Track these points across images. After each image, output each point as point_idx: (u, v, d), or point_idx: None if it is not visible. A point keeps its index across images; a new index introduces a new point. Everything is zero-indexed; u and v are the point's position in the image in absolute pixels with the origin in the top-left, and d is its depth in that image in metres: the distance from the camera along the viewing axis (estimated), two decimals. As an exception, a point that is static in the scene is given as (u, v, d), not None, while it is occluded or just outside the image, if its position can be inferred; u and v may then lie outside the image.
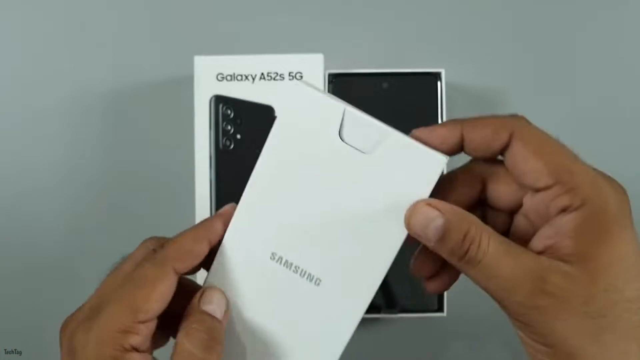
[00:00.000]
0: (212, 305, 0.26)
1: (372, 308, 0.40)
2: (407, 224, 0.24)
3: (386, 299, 0.40)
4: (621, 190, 0.23)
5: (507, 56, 0.44)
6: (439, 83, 0.41)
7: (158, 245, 0.27)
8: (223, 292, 0.26)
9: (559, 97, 0.44)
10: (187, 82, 0.40)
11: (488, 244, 0.23)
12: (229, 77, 0.40)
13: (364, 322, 0.46)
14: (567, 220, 0.23)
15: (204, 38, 0.44)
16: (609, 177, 0.24)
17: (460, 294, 0.43)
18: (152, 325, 0.25)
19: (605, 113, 0.44)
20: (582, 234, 0.22)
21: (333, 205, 0.25)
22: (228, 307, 0.26)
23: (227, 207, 0.27)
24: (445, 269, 0.27)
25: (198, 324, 0.25)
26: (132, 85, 0.44)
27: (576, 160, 0.23)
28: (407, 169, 0.24)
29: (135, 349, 0.24)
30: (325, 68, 0.40)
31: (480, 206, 0.27)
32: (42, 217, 0.44)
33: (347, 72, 0.41)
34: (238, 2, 0.44)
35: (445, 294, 0.40)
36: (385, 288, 0.40)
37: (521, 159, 0.23)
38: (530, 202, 0.24)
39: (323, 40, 0.44)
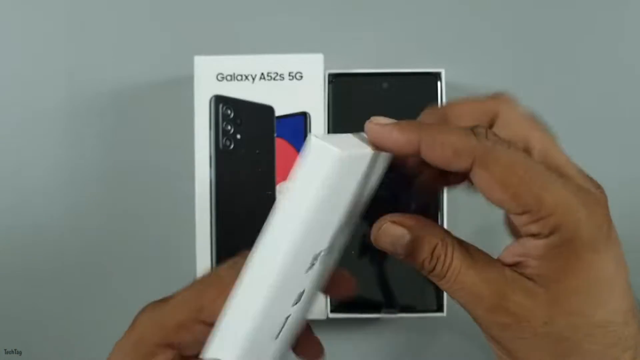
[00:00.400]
0: None
1: (372, 308, 0.40)
2: (375, 242, 0.24)
3: (386, 299, 0.40)
4: (599, 207, 0.22)
5: (507, 56, 0.44)
6: (439, 83, 0.41)
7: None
8: None
9: (559, 97, 0.44)
10: (187, 82, 0.40)
11: (452, 257, 0.23)
12: (229, 77, 0.40)
13: (364, 322, 0.46)
14: (535, 245, 0.22)
15: (204, 38, 0.44)
16: (587, 189, 0.23)
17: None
18: (208, 330, 0.23)
19: (606, 113, 0.44)
20: (549, 260, 0.22)
21: None
22: None
23: None
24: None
25: None
26: (132, 85, 0.44)
27: (548, 184, 0.22)
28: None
29: (178, 349, 0.24)
30: (325, 68, 0.40)
31: None
32: (42, 217, 0.44)
33: (347, 72, 0.41)
34: (238, 2, 0.44)
35: (445, 294, 0.40)
36: (385, 288, 0.40)
37: (487, 188, 0.22)
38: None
39: (323, 40, 0.44)
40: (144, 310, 0.25)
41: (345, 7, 0.44)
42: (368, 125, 0.24)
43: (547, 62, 0.44)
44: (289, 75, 0.40)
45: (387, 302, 0.40)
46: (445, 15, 0.44)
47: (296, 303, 0.25)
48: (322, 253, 0.24)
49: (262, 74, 0.40)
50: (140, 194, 0.44)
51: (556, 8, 0.44)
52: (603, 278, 0.22)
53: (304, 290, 0.25)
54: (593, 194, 0.22)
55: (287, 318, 0.25)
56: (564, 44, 0.44)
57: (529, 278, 0.22)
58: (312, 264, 0.24)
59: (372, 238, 0.24)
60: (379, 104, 0.41)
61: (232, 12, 0.44)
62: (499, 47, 0.44)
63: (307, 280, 0.24)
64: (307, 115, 0.40)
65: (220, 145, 0.40)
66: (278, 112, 0.40)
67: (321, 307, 0.40)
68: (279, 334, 0.25)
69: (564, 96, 0.44)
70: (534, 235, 0.22)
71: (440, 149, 0.22)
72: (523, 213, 0.22)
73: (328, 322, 0.40)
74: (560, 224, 0.21)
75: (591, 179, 0.24)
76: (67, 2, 0.44)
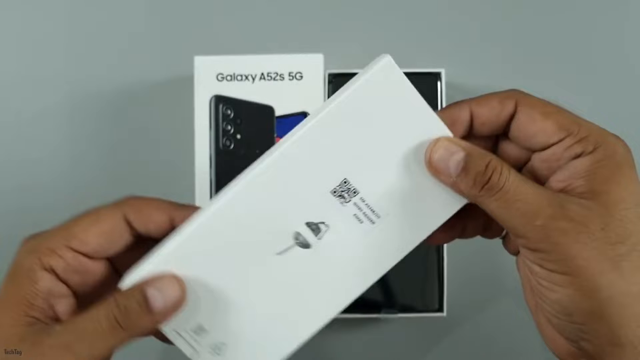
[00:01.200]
0: (155, 292, 0.24)
1: (372, 308, 0.40)
2: (429, 160, 0.25)
3: (386, 299, 0.40)
4: (623, 142, 0.25)
5: (507, 56, 0.44)
6: (439, 83, 0.41)
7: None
8: (179, 282, 0.25)
9: (559, 97, 0.44)
10: (187, 82, 0.40)
11: (509, 170, 0.24)
12: (229, 77, 0.40)
13: (364, 321, 0.46)
14: (580, 163, 0.24)
15: (204, 38, 0.44)
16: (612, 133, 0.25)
17: (460, 294, 0.43)
18: (83, 260, 0.25)
19: (606, 113, 0.44)
20: (594, 173, 0.24)
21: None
22: (179, 301, 0.25)
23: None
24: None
25: (125, 299, 0.24)
26: (132, 85, 0.44)
27: (580, 117, 0.25)
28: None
29: (53, 271, 0.25)
30: (325, 68, 0.40)
31: None
32: (42, 216, 0.44)
33: (347, 72, 0.41)
34: (238, 2, 0.44)
35: (445, 294, 0.40)
36: (385, 288, 0.40)
37: (529, 121, 0.25)
38: (540, 158, 0.25)
39: (323, 40, 0.44)
40: (23, 241, 0.26)
41: (346, 8, 0.44)
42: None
43: (547, 62, 0.44)
44: (289, 75, 0.40)
45: (387, 302, 0.40)
46: (445, 15, 0.44)
47: (311, 227, 0.26)
48: (358, 194, 0.25)
49: (262, 74, 0.40)
50: (140, 194, 0.44)
51: (556, 8, 0.44)
52: (638, 192, 0.24)
53: (324, 223, 0.26)
54: (619, 137, 0.25)
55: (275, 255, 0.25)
56: (564, 43, 0.44)
57: (579, 196, 0.24)
58: (341, 193, 0.25)
59: (425, 157, 0.25)
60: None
61: (232, 12, 0.44)
62: (499, 47, 0.44)
63: (327, 207, 0.25)
64: (307, 115, 0.40)
65: (220, 145, 0.40)
66: (278, 112, 0.40)
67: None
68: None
69: (564, 96, 0.44)
70: (578, 156, 0.24)
71: (488, 101, 0.25)
72: (565, 137, 0.24)
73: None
74: (600, 142, 0.24)
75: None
76: (67, 3, 0.44)
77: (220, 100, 0.40)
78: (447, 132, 0.25)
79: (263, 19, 0.44)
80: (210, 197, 0.40)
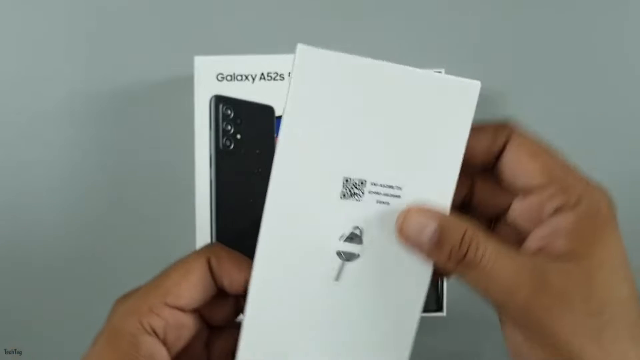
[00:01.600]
0: None
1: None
2: (399, 232, 0.24)
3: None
4: (608, 195, 0.24)
5: (508, 56, 0.44)
6: (439, 83, 0.41)
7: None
8: None
9: (560, 97, 0.44)
10: (187, 82, 0.40)
11: (485, 245, 0.23)
12: (229, 77, 0.40)
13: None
14: (562, 219, 0.23)
15: (204, 38, 0.44)
16: (597, 183, 0.24)
17: (460, 294, 0.43)
18: (179, 315, 0.25)
19: (606, 113, 0.44)
20: (577, 232, 0.23)
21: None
22: None
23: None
24: None
25: None
26: (132, 85, 0.44)
27: (568, 164, 0.24)
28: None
29: (154, 332, 0.24)
30: (325, 68, 0.40)
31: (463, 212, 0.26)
32: (42, 217, 0.44)
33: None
34: (238, 2, 0.44)
35: (445, 293, 0.40)
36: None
37: (516, 160, 0.24)
38: (521, 205, 0.24)
39: (323, 40, 0.44)
40: (116, 302, 0.26)
41: (346, 7, 0.44)
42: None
43: (548, 62, 0.44)
44: (289, 75, 0.40)
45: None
46: (445, 15, 0.44)
47: (347, 239, 0.25)
48: (367, 182, 0.24)
49: (262, 74, 0.40)
50: (141, 194, 0.44)
51: (557, 8, 0.44)
52: (620, 254, 0.23)
53: (357, 227, 0.25)
54: (602, 187, 0.24)
55: (337, 254, 0.25)
56: (564, 43, 0.44)
57: (559, 257, 0.23)
58: (351, 192, 0.24)
59: (396, 228, 0.24)
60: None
61: (232, 12, 0.44)
62: (500, 47, 0.44)
63: (348, 212, 0.24)
64: (307, 115, 0.40)
65: (220, 145, 0.40)
66: (278, 112, 0.40)
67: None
68: (337, 274, 0.25)
69: (564, 96, 0.44)
70: (559, 210, 0.23)
71: (481, 133, 0.24)
72: (549, 184, 0.23)
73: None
74: (584, 196, 0.23)
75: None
76: (67, 3, 0.44)
77: (220, 100, 0.40)
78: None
79: (263, 19, 0.44)
80: (210, 197, 0.40)
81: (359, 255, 0.25)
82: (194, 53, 0.40)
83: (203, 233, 0.39)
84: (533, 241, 0.24)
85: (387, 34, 0.44)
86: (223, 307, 0.26)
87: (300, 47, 0.24)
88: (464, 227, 0.23)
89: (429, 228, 0.23)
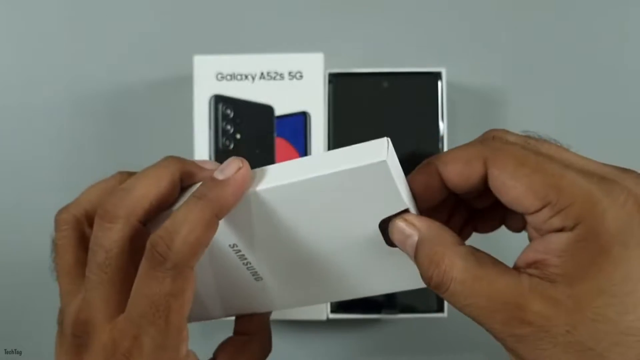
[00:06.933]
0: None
1: (372, 308, 0.40)
2: (391, 237, 0.23)
3: (386, 299, 0.40)
4: (625, 195, 0.20)
5: (508, 55, 0.44)
6: (439, 82, 0.40)
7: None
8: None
9: (560, 96, 0.44)
10: (186, 82, 0.40)
11: (453, 267, 0.21)
12: (228, 77, 0.40)
13: (364, 322, 0.46)
14: (558, 239, 0.20)
15: (203, 37, 0.44)
16: (610, 178, 0.21)
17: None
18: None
19: (607, 112, 0.44)
20: (572, 255, 0.20)
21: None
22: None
23: (233, 170, 0.23)
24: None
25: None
26: (132, 85, 0.44)
27: (564, 173, 0.20)
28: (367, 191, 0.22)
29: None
30: (325, 67, 0.40)
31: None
32: (42, 216, 0.44)
33: (347, 72, 0.41)
34: (238, 2, 0.44)
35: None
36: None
37: (502, 187, 0.21)
38: (520, 220, 0.23)
39: (323, 39, 0.44)
40: None
41: (346, 7, 0.44)
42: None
43: (548, 62, 0.44)
44: (289, 74, 0.40)
45: (388, 302, 0.40)
46: (445, 14, 0.44)
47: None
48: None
49: (262, 73, 0.40)
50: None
51: (557, 7, 0.44)
52: (632, 278, 0.19)
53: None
54: (618, 183, 0.20)
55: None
56: (565, 43, 0.44)
57: (550, 280, 0.20)
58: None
59: (390, 236, 0.23)
60: (379, 104, 0.41)
61: (232, 11, 0.44)
62: (500, 46, 0.44)
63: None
64: (307, 114, 0.40)
65: (220, 145, 0.40)
66: (278, 112, 0.40)
67: (321, 308, 0.39)
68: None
69: (565, 95, 0.44)
70: (557, 231, 0.20)
71: (452, 163, 0.22)
72: (542, 208, 0.20)
73: (328, 322, 0.40)
74: (584, 214, 0.20)
75: (616, 167, 0.22)
76: (67, 2, 0.44)
77: (219, 100, 0.40)
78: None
79: (263, 18, 0.44)
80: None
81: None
82: (193, 52, 0.40)
83: (203, 233, 0.39)
84: (528, 254, 0.22)
85: (387, 34, 0.44)
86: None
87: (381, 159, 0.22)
88: (437, 246, 0.22)
89: (410, 240, 0.22)
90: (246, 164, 0.24)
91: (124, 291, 0.23)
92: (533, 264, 0.21)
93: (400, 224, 0.23)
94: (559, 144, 0.23)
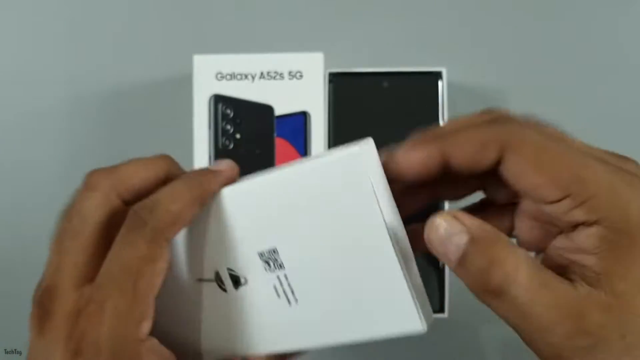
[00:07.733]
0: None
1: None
2: (427, 241, 0.21)
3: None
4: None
5: (509, 55, 0.44)
6: (440, 82, 0.40)
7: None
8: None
9: (561, 96, 0.44)
10: (186, 81, 0.40)
11: (518, 269, 0.19)
12: (228, 76, 0.40)
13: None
14: (586, 236, 0.19)
15: (203, 37, 0.44)
16: (627, 169, 0.20)
17: (462, 295, 0.42)
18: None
19: (607, 112, 0.44)
20: (606, 252, 0.19)
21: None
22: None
23: (225, 166, 0.24)
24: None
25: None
26: (131, 85, 0.44)
27: (586, 163, 0.20)
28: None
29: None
30: (325, 67, 0.40)
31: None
32: (42, 217, 0.44)
33: (347, 72, 0.41)
34: (238, 2, 0.44)
35: (447, 295, 0.40)
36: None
37: (520, 174, 0.20)
38: (536, 207, 0.21)
39: (323, 39, 0.44)
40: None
41: (346, 6, 0.44)
42: (382, 156, 0.22)
43: (549, 61, 0.44)
44: (289, 74, 0.40)
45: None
46: (446, 13, 0.44)
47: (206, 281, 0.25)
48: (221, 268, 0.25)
49: (262, 73, 0.40)
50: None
51: (558, 7, 0.44)
52: None
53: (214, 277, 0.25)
54: (635, 174, 0.20)
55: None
56: (565, 42, 0.44)
57: (594, 282, 0.19)
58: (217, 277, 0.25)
59: (424, 235, 0.21)
60: (379, 103, 0.40)
61: (232, 11, 0.44)
62: (501, 45, 0.44)
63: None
64: (307, 114, 0.40)
65: (220, 145, 0.40)
66: (278, 112, 0.40)
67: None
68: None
69: (565, 95, 0.44)
70: (581, 225, 0.20)
71: (465, 145, 0.21)
72: (564, 198, 0.19)
73: (328, 322, 0.40)
74: (607, 207, 0.19)
75: (616, 154, 0.22)
76: (67, 2, 0.44)
77: (219, 100, 0.39)
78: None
79: (262, 18, 0.44)
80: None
81: (225, 291, 0.25)
82: (193, 52, 0.40)
83: (202, 233, 0.39)
84: (556, 250, 0.21)
85: (387, 33, 0.44)
86: None
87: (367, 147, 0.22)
88: (498, 242, 0.20)
89: (457, 238, 0.20)
90: (237, 167, 0.25)
91: (95, 261, 0.23)
92: (570, 265, 0.20)
93: (441, 220, 0.20)
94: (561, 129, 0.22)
